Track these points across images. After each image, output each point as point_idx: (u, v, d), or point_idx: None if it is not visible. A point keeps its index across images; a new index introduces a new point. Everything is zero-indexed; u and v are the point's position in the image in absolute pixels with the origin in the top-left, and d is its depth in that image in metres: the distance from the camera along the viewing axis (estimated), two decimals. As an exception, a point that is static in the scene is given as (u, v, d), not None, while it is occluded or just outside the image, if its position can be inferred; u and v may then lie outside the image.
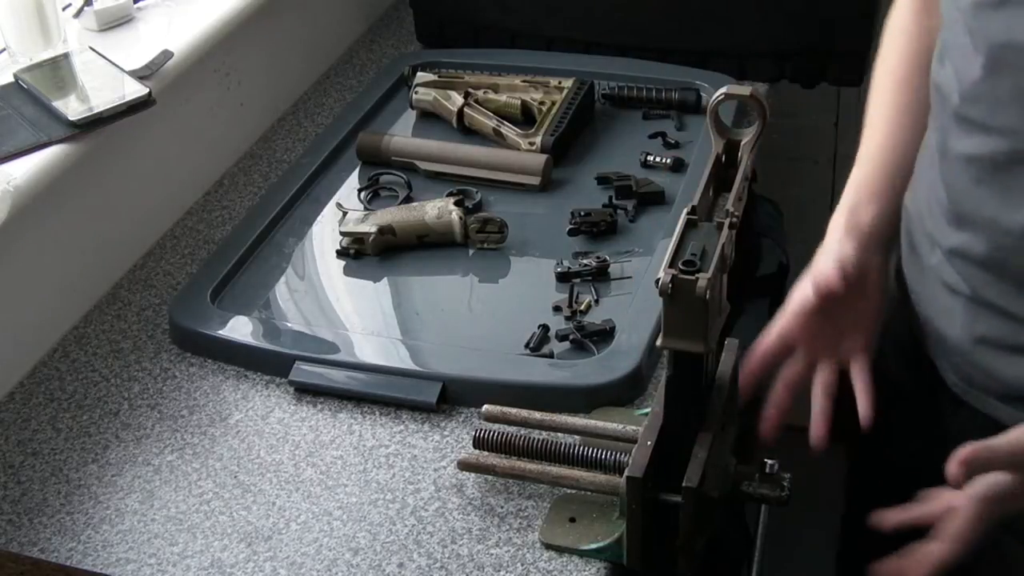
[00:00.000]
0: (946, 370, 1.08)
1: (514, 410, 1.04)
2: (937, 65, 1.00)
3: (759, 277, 1.57)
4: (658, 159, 1.37)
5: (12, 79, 1.24)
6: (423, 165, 1.38)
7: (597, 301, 1.18)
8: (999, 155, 0.93)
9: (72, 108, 1.19)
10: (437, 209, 1.27)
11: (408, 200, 1.34)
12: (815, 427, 1.03)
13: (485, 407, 1.05)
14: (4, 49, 1.28)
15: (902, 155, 1.08)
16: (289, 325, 1.19)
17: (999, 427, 0.90)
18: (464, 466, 1.02)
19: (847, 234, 1.04)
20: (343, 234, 1.27)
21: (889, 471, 1.19)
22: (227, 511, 1.02)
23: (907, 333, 1.12)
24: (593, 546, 0.96)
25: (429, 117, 1.48)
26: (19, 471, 1.07)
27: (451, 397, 1.10)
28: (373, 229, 1.26)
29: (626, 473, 0.91)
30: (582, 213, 1.28)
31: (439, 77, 1.48)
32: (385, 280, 1.26)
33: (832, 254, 1.03)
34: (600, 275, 1.21)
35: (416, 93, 1.47)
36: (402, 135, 1.43)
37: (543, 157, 1.35)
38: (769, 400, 1.06)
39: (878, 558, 0.96)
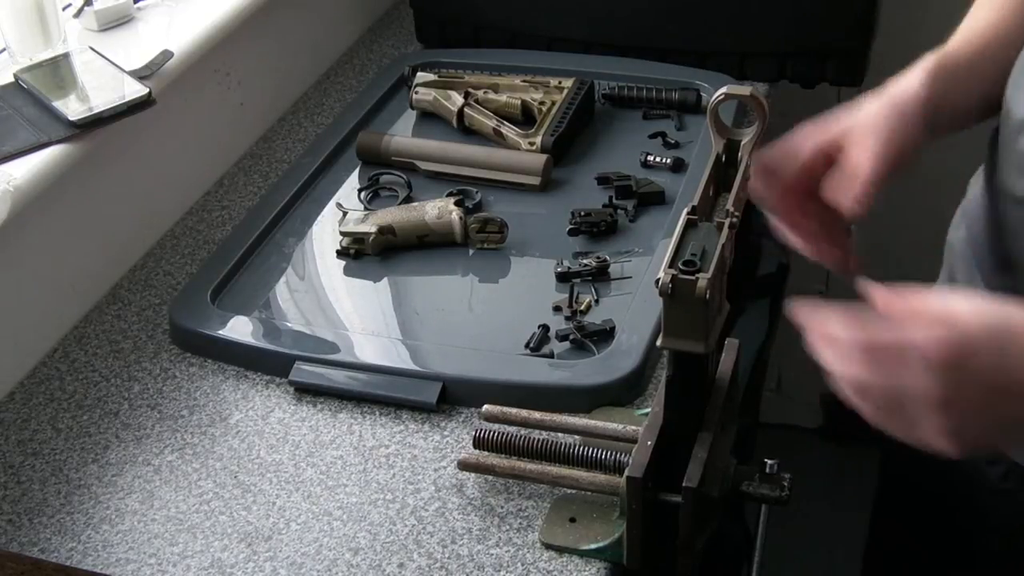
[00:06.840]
0: None
1: (514, 410, 1.04)
2: (1012, 90, 0.93)
3: (759, 277, 1.57)
4: (658, 159, 1.37)
5: (12, 79, 1.24)
6: (423, 165, 1.38)
7: (597, 301, 1.18)
8: None
9: (72, 108, 1.19)
10: (437, 209, 1.27)
11: (408, 200, 1.34)
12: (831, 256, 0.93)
13: (485, 407, 1.05)
14: (4, 49, 1.28)
15: (999, 43, 0.95)
16: (289, 325, 1.19)
17: None
18: (464, 466, 1.02)
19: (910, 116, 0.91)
20: (343, 234, 1.27)
21: (921, 472, 1.14)
22: (227, 511, 1.02)
23: None
24: (593, 546, 0.96)
25: (429, 117, 1.48)
26: (19, 471, 1.07)
27: (451, 397, 1.10)
28: (373, 229, 1.26)
29: (626, 473, 0.91)
30: (582, 213, 1.28)
31: (439, 77, 1.48)
32: (385, 280, 1.26)
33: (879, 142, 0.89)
34: (600, 275, 1.21)
35: (416, 93, 1.47)
36: (402, 135, 1.43)
37: (543, 157, 1.35)
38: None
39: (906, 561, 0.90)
